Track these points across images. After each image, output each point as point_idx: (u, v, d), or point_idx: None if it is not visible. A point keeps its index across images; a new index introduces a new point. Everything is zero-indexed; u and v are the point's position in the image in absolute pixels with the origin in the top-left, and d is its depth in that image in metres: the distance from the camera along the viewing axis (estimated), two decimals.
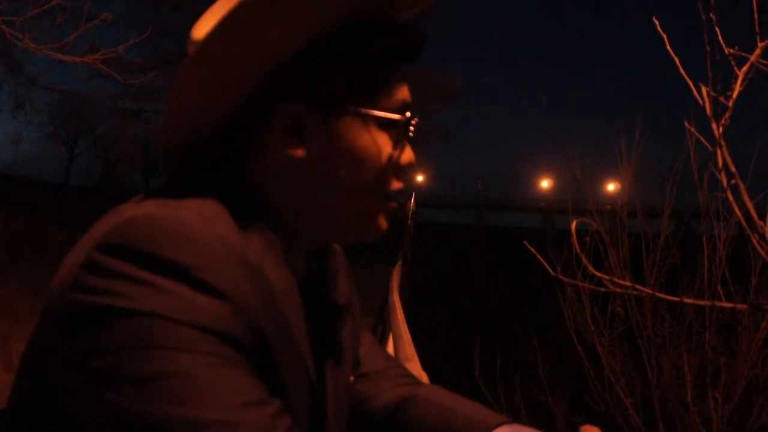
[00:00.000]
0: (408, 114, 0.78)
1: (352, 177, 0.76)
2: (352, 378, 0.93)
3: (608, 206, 6.45)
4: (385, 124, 0.77)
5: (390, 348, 3.78)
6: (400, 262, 11.87)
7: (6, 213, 15.12)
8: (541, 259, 2.04)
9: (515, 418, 0.92)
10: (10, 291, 8.76)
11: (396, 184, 0.80)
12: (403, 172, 0.81)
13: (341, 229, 0.80)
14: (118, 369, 0.56)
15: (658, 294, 1.68)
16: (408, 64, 0.80)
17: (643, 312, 5.46)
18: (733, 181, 1.44)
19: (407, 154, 0.81)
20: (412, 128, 0.80)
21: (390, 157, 0.77)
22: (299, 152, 0.74)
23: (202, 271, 0.60)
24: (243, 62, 0.70)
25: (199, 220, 0.63)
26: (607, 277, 1.74)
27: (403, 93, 0.79)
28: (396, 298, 6.03)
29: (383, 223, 0.81)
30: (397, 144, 0.78)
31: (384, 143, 0.77)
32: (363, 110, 0.75)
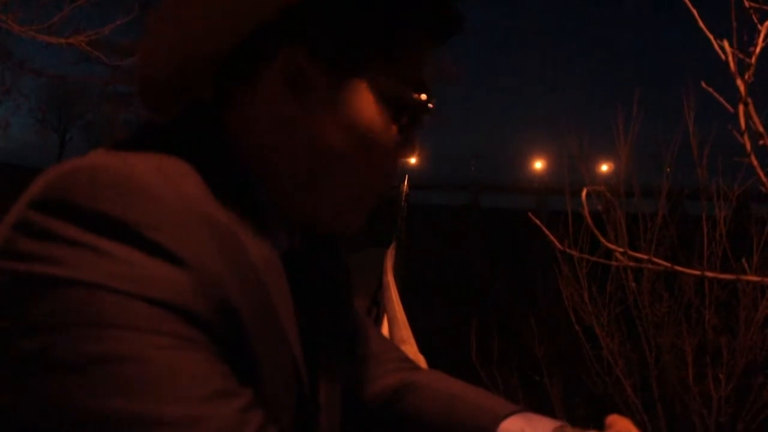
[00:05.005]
0: (424, 96, 0.68)
1: (346, 147, 0.65)
2: None
3: (603, 186, 6.41)
4: (394, 100, 0.66)
5: (384, 330, 3.70)
6: (394, 244, 11.88)
7: None
8: (550, 235, 1.95)
9: (512, 401, 0.83)
10: None
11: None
12: (404, 157, 0.72)
13: (327, 209, 0.69)
14: (53, 351, 0.46)
15: (677, 267, 1.56)
16: (436, 42, 0.71)
17: (640, 291, 5.43)
18: (761, 142, 1.31)
19: (413, 140, 0.72)
20: (426, 113, 0.71)
21: (392, 137, 0.67)
22: (291, 106, 0.64)
23: (156, 232, 0.49)
24: None
25: (158, 174, 0.53)
26: (621, 250, 1.63)
27: (424, 73, 0.69)
28: (390, 278, 5.98)
29: (365, 212, 0.73)
30: (407, 126, 0.69)
31: (388, 120, 0.66)
32: (377, 77, 0.65)
